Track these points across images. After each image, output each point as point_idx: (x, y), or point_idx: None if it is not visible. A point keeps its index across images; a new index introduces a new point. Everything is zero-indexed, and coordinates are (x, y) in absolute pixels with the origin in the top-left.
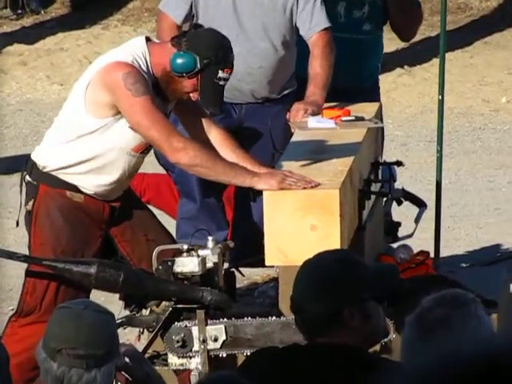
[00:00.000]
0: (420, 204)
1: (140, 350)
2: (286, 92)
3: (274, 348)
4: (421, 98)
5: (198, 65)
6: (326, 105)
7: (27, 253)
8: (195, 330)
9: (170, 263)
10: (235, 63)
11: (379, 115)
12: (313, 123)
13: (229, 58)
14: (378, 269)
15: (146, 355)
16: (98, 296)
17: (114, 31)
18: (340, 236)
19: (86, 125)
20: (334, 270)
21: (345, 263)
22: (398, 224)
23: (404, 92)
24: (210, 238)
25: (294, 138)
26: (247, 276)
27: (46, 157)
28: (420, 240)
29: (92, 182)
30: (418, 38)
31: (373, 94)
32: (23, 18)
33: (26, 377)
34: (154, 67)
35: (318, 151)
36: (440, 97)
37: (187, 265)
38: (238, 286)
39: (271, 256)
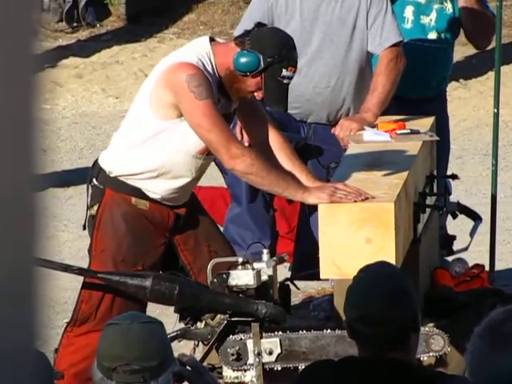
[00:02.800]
0: (475, 217)
1: None
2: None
3: (329, 361)
4: (476, 111)
5: (262, 63)
6: (383, 117)
7: (85, 262)
8: (250, 343)
9: (224, 276)
10: (304, 82)
11: (434, 128)
12: (368, 136)
13: (292, 57)
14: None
15: None
16: (152, 309)
17: (169, 44)
18: (395, 249)
19: (152, 127)
20: (400, 279)
21: (400, 272)
22: (453, 237)
23: (459, 105)
24: (264, 251)
25: (350, 151)
26: (302, 289)
27: (112, 162)
28: (475, 253)
29: (159, 186)
30: (473, 51)
31: (438, 106)
32: (79, 31)
33: None
34: (218, 67)
35: (373, 164)
36: (495, 110)
37: (242, 278)
38: (292, 299)
39: (326, 269)
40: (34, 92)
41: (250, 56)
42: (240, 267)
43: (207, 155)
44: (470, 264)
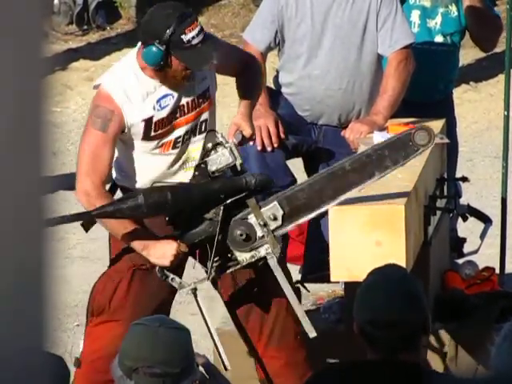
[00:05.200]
0: (485, 220)
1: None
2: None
3: (338, 364)
4: (486, 113)
5: (161, 48)
6: (393, 120)
7: (96, 264)
8: (252, 218)
9: (203, 165)
10: (315, 85)
11: (445, 131)
12: (378, 139)
13: (182, 19)
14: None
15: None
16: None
17: None
18: (405, 252)
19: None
20: (410, 282)
21: (410, 275)
22: (464, 240)
23: (469, 108)
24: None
25: None
26: (312, 292)
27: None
28: (485, 256)
29: None
30: (483, 54)
31: (445, 109)
32: (89, 34)
33: (99, 378)
34: (147, 73)
35: None
36: (506, 112)
37: (219, 160)
38: (303, 301)
39: (336, 272)
40: (44, 95)
41: (149, 49)
42: (213, 152)
43: (173, 149)
44: (481, 267)
